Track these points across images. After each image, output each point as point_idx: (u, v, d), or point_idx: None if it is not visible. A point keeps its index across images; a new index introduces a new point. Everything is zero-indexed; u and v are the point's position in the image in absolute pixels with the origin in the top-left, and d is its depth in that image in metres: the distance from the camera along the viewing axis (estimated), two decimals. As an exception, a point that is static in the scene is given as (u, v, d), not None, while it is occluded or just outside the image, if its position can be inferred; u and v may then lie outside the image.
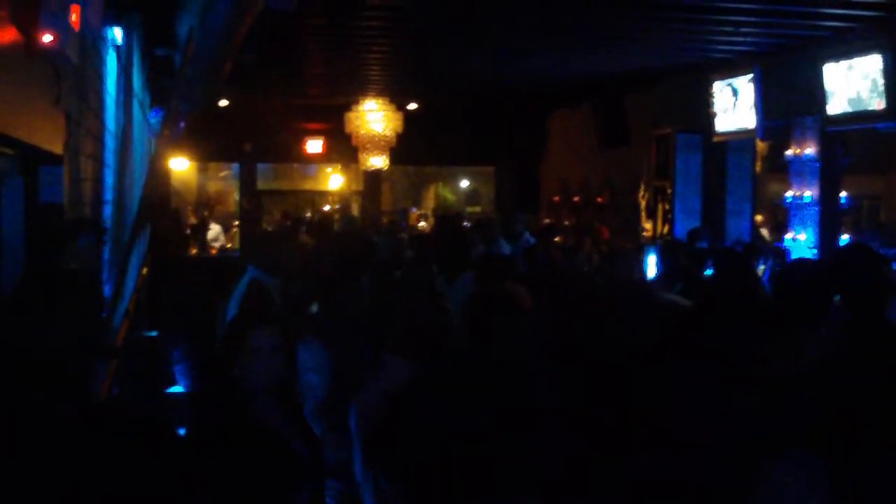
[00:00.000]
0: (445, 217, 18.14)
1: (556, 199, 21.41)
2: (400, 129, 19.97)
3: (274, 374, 4.04)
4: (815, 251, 12.23)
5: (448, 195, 34.99)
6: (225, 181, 30.17)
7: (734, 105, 14.03)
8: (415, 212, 26.50)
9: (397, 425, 3.98)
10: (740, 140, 14.36)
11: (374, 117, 19.88)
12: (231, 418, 3.99)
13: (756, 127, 13.57)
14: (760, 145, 14.78)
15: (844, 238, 12.45)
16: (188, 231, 19.76)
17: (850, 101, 11.55)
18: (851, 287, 5.43)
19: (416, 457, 3.83)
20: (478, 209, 30.81)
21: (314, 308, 6.78)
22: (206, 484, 3.61)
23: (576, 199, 20.30)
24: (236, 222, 22.90)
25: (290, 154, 22.38)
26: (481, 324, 4.63)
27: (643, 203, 16.82)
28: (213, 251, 19.57)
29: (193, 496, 3.36)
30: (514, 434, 3.71)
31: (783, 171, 13.32)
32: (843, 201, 12.80)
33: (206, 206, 24.25)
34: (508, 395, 3.83)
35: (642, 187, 16.87)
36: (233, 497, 3.77)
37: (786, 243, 12.65)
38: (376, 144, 20.04)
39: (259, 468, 3.85)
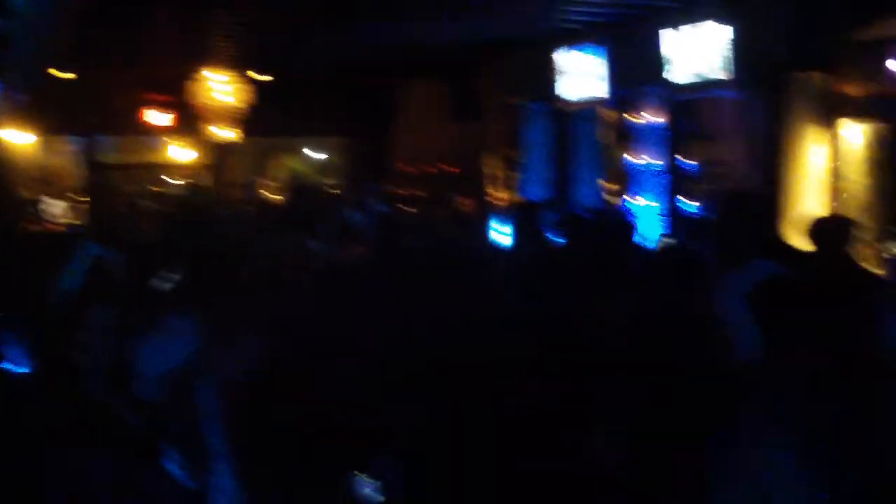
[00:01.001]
0: (304, 188, 17.85)
1: (409, 169, 21.34)
2: (251, 101, 19.57)
3: (111, 351, 3.86)
4: (662, 217, 12.44)
5: (300, 166, 34.53)
6: (69, 155, 29.12)
7: (582, 74, 14.14)
8: (265, 184, 26.04)
9: (254, 404, 3.87)
10: (588, 109, 14.48)
11: (224, 89, 19.43)
12: (68, 397, 3.81)
13: (604, 96, 13.70)
14: (608, 113, 14.93)
15: (691, 204, 12.67)
16: (28, 206, 19.01)
17: (695, 70, 11.74)
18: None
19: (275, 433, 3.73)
20: (331, 181, 30.47)
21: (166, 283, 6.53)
22: (43, 461, 3.44)
23: (428, 169, 20.27)
24: (80, 197, 22.15)
25: (137, 127, 21.75)
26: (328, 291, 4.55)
27: (493, 172, 16.87)
28: (55, 227, 18.88)
29: (30, 474, 3.20)
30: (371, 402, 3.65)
31: (631, 139, 13.48)
32: (688, 168, 13.02)
33: (46, 181, 23.37)
34: (351, 364, 3.75)
35: (492, 156, 16.91)
36: (70, 474, 3.60)
37: (632, 209, 12.82)
38: (226, 116, 19.60)
39: (96, 445, 3.68)
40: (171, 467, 4.61)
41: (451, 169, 19.08)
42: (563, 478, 3.44)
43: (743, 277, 5.27)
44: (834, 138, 10.49)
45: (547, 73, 14.73)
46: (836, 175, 10.43)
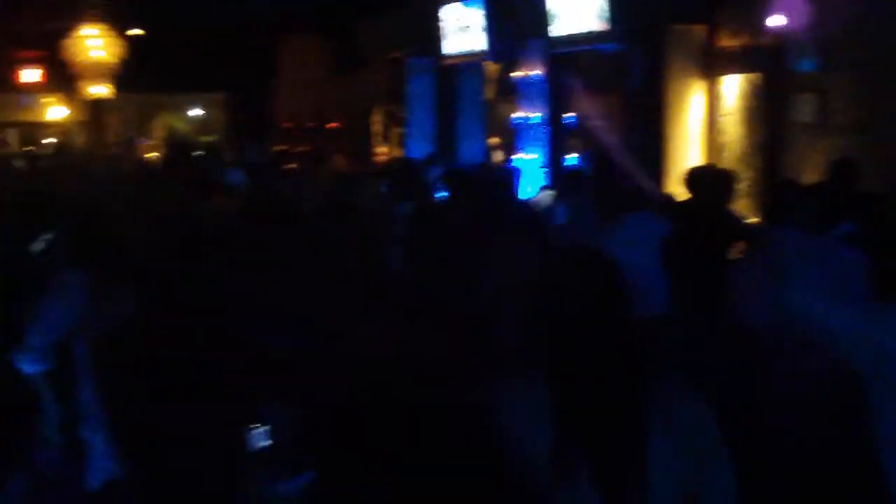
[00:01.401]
0: (180, 145, 17.44)
1: (289, 125, 21.04)
2: (123, 56, 19.03)
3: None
4: (545, 170, 12.46)
5: (179, 124, 33.81)
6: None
7: (464, 28, 14.04)
8: (144, 143, 25.44)
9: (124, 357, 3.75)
10: (471, 63, 14.40)
11: (94, 43, 18.84)
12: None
13: (485, 50, 13.63)
14: (491, 68, 14.88)
15: (572, 157, 12.73)
16: None
17: (574, 24, 11.73)
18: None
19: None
20: (210, 138, 29.93)
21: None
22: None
23: (309, 125, 20.00)
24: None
25: (5, 84, 21.00)
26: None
27: (377, 128, 16.71)
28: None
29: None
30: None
31: (514, 93, 13.46)
32: (570, 121, 13.07)
33: None
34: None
35: (375, 112, 16.74)
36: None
37: (514, 163, 12.81)
38: (97, 72, 19.03)
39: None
40: (46, 428, 4.47)
41: (334, 124, 18.84)
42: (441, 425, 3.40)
43: (623, 229, 5.28)
44: (713, 91, 10.60)
45: (430, 27, 14.59)
46: (715, 127, 10.56)
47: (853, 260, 3.99)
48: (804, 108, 9.55)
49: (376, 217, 8.19)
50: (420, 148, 14.61)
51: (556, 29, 11.99)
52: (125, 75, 19.36)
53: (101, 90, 19.29)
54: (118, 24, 18.85)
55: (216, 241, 4.44)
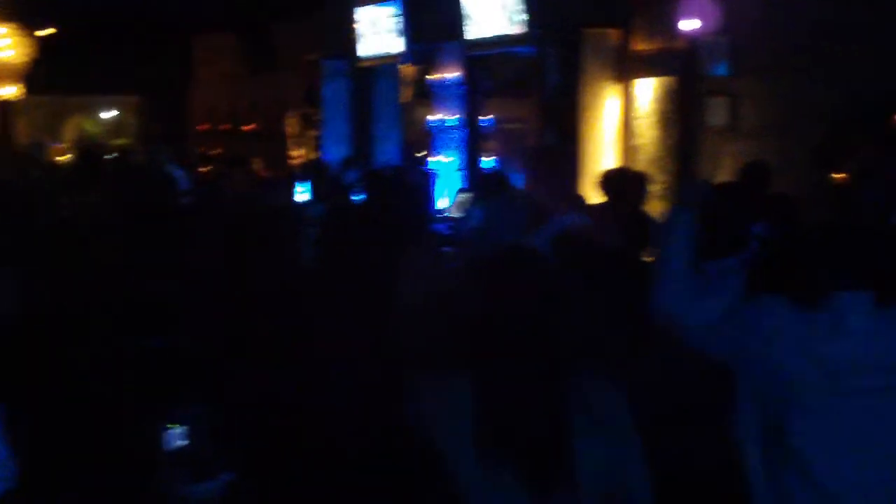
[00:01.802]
0: (87, 151, 17.11)
1: (204, 127, 20.76)
2: (33, 56, 18.59)
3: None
4: (461, 173, 12.44)
5: (91, 127, 33.21)
6: None
7: (379, 30, 13.96)
8: (54, 146, 24.93)
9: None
10: (387, 65, 14.34)
11: (2, 43, 18.39)
12: None
13: (401, 52, 13.58)
14: (407, 71, 14.82)
15: (489, 160, 12.73)
16: None
17: (490, 27, 11.73)
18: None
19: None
20: (123, 141, 29.44)
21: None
22: None
23: (224, 127, 19.75)
24: None
25: None
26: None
27: (292, 130, 16.56)
28: None
29: None
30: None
31: (430, 95, 13.42)
32: (486, 124, 13.07)
33: None
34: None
35: (291, 114, 16.59)
36: None
37: (430, 166, 12.78)
38: (6, 73, 18.56)
39: None
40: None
41: (250, 126, 18.64)
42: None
43: (549, 230, 5.25)
44: (627, 94, 10.67)
45: (345, 29, 14.49)
46: (630, 130, 10.62)
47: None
48: (716, 112, 9.66)
49: (290, 219, 8.09)
50: (336, 151, 14.49)
51: (472, 31, 11.98)
52: (35, 76, 18.91)
53: (9, 91, 18.81)
54: (28, 22, 18.41)
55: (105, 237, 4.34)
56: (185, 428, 3.40)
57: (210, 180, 11.34)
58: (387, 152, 14.54)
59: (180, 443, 3.38)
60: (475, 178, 11.75)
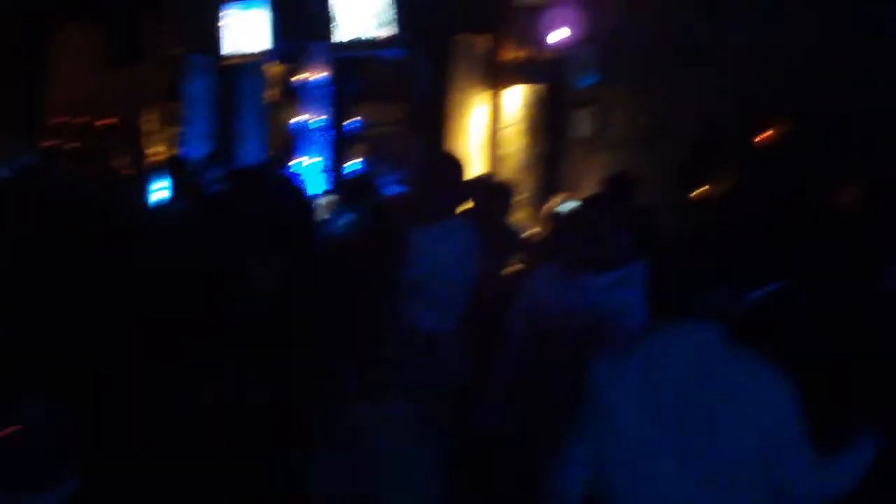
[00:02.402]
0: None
1: (60, 121, 20.08)
2: None
3: None
4: (326, 175, 12.29)
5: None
6: None
7: (246, 28, 13.72)
8: None
9: None
10: (252, 63, 14.08)
11: None
12: None
13: (268, 50, 13.36)
14: (274, 70, 14.60)
15: (355, 163, 12.61)
16: None
17: (359, 28, 11.61)
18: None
19: None
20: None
21: None
22: None
23: (81, 121, 19.14)
24: None
25: None
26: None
27: (152, 126, 16.15)
28: None
29: None
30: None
31: (296, 95, 13.24)
32: (353, 127, 12.94)
33: None
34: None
35: (151, 110, 16.18)
36: None
37: (295, 168, 12.59)
38: None
39: None
40: None
41: (108, 121, 18.10)
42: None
43: (439, 233, 5.15)
44: (496, 102, 10.66)
45: (211, 25, 14.19)
46: (497, 138, 10.62)
47: None
48: (582, 122, 9.71)
49: (146, 216, 7.87)
50: (197, 148, 14.17)
51: (341, 33, 11.84)
52: None
53: None
54: None
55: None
56: (23, 429, 3.23)
57: (66, 175, 10.93)
58: (250, 151, 14.27)
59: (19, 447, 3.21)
60: (340, 181, 11.61)
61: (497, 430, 4.32)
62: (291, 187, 7.54)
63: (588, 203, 4.34)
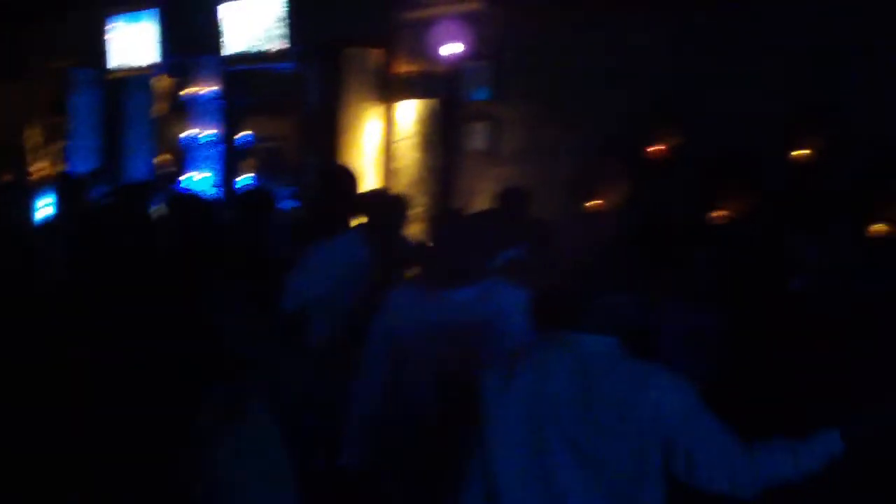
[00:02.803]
0: None
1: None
2: None
3: None
4: (217, 190, 12.08)
5: None
6: None
7: (134, 41, 13.43)
8: None
9: None
10: (140, 77, 13.79)
11: None
12: None
13: (156, 64, 13.09)
14: (163, 83, 14.32)
15: (246, 178, 12.43)
16: None
17: (249, 41, 11.45)
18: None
19: None
20: None
21: None
22: None
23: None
24: None
25: None
26: None
27: (36, 141, 15.69)
28: None
29: None
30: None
31: (186, 110, 13.00)
32: (244, 141, 12.76)
33: None
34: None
35: (35, 124, 15.72)
36: None
37: (185, 183, 12.36)
38: None
39: None
40: None
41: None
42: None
43: (334, 248, 5.05)
44: (389, 116, 10.57)
45: (97, 37, 13.86)
46: (391, 152, 10.53)
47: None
48: (477, 136, 9.69)
49: (33, 232, 7.64)
50: (83, 164, 13.80)
51: (231, 46, 11.66)
52: None
53: None
54: None
55: None
56: None
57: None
58: (138, 166, 13.94)
59: None
60: (234, 196, 11.41)
61: (357, 468, 4.13)
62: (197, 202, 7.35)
63: (443, 219, 4.30)
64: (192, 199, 7.07)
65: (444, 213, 8.52)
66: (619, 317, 2.91)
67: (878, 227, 6.26)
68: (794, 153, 6.91)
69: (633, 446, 2.82)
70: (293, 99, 11.63)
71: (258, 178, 12.15)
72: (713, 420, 2.86)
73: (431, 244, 4.02)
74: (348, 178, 5.35)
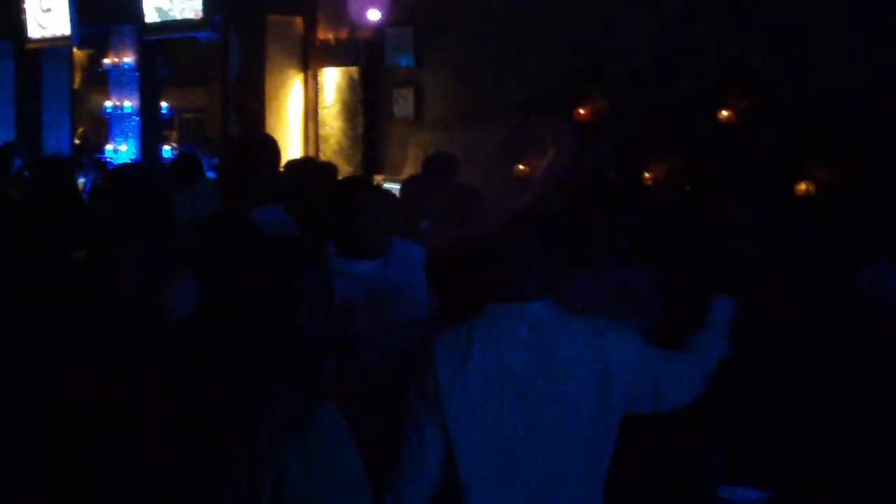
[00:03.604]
0: None
1: None
2: None
3: None
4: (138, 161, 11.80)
5: None
6: None
7: (48, 10, 13.01)
8: None
9: None
10: (57, 48, 13.38)
11: None
12: None
13: (71, 34, 12.70)
14: (80, 54, 13.93)
15: (166, 149, 12.15)
16: None
17: (164, 10, 11.15)
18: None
19: None
20: None
21: None
22: None
23: None
24: None
25: None
26: None
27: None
28: None
29: None
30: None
31: (104, 81, 12.68)
32: (164, 112, 12.47)
33: None
34: None
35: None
36: None
37: (107, 154, 12.05)
38: None
39: None
40: None
41: None
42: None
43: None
44: (313, 83, 10.40)
45: (13, 8, 13.41)
46: (316, 120, 10.36)
47: None
48: (401, 103, 9.58)
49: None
50: (-1, 136, 13.39)
51: (149, 15, 11.35)
52: None
53: None
54: None
55: None
56: None
57: None
58: (57, 139, 13.57)
59: None
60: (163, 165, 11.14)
61: None
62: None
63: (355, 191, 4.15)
64: (136, 169, 6.77)
65: (356, 184, 8.35)
66: (557, 278, 2.88)
67: (804, 187, 6.26)
68: (723, 114, 6.87)
69: (594, 407, 2.81)
70: (215, 69, 11.38)
71: (180, 148, 11.90)
72: (660, 352, 2.94)
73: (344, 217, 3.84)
74: (270, 147, 5.11)
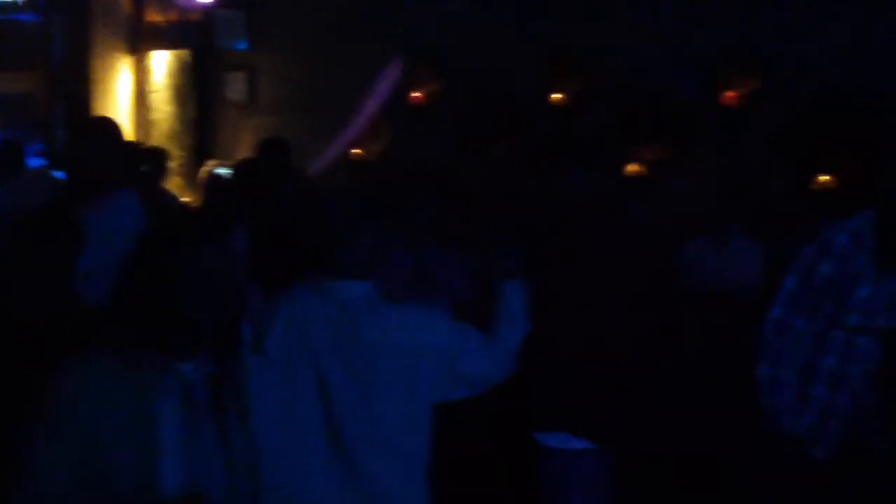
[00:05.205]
0: None
1: None
2: None
3: None
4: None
5: None
6: None
7: None
8: None
9: None
10: None
11: None
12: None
13: None
14: None
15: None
16: None
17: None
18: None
19: None
20: None
21: None
22: None
23: None
24: None
25: None
26: None
27: None
28: None
29: None
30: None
31: None
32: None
33: None
34: None
35: None
36: None
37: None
38: None
39: None
40: None
41: None
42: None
43: (110, 208, 4.52)
44: (141, 66, 10.02)
45: None
46: (145, 104, 9.99)
47: None
48: (234, 87, 9.35)
49: None
50: None
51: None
52: None
53: None
54: None
55: None
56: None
57: None
58: None
59: None
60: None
61: None
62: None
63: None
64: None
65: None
66: (374, 260, 2.76)
67: (633, 168, 6.30)
68: (552, 97, 6.88)
69: (403, 392, 2.69)
70: (39, 51, 10.87)
71: (4, 135, 11.31)
72: (470, 336, 2.86)
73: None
74: (110, 130, 4.76)
